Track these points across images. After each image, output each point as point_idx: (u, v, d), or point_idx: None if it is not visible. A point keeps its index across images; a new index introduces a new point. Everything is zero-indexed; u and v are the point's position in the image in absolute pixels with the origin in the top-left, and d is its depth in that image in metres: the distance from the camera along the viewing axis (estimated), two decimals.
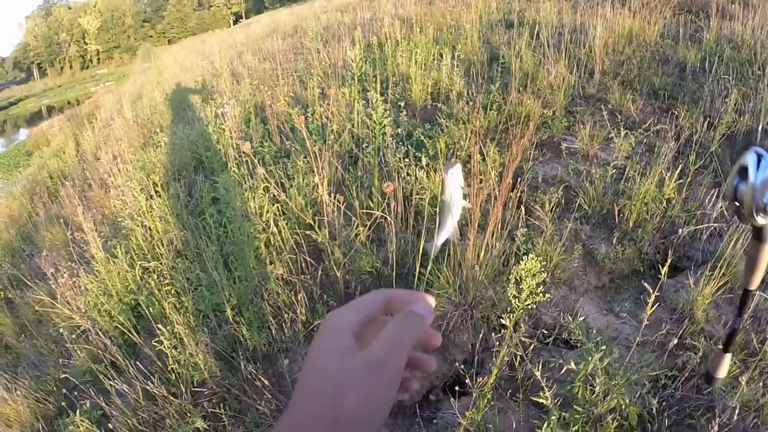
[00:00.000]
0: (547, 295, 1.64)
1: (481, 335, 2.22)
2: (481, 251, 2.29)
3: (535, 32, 4.73)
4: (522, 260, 1.65)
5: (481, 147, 2.89)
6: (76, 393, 2.80)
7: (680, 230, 2.75)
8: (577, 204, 2.86)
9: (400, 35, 5.71)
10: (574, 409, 1.72)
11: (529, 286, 1.52)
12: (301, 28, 9.82)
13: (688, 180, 3.00)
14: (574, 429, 1.67)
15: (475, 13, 6.35)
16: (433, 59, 4.68)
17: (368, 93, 3.81)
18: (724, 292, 2.37)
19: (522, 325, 2.10)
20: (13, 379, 3.38)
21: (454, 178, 0.73)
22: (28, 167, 14.50)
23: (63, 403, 2.78)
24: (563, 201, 2.87)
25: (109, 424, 2.41)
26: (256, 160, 2.66)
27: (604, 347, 1.66)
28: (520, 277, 1.53)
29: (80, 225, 4.09)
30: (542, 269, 1.62)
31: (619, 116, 3.62)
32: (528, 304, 1.55)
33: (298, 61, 6.55)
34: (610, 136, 3.27)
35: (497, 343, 2.03)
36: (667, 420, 1.77)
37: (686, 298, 2.37)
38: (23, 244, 6.62)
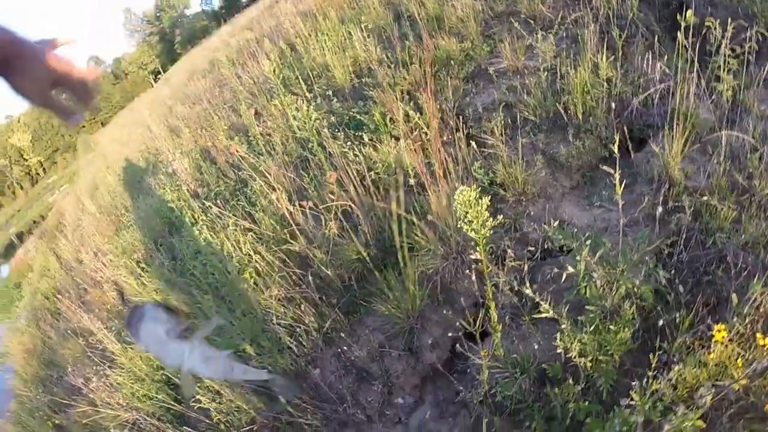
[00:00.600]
0: (499, 217, 1.71)
1: (473, 279, 2.30)
2: (443, 198, 2.40)
3: None
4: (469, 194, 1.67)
5: (399, 103, 2.96)
6: None
7: (631, 104, 2.86)
8: (522, 118, 2.96)
9: (306, 30, 5.76)
10: (587, 311, 1.74)
11: (476, 216, 1.60)
12: (217, 60, 9.82)
13: (621, 53, 3.10)
14: (591, 329, 1.70)
15: None
16: (345, 39, 4.74)
17: (297, 96, 3.89)
18: (693, 143, 2.46)
19: (508, 250, 2.19)
20: None
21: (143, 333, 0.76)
22: (22, 299, 14.60)
23: None
24: (509, 120, 2.97)
25: None
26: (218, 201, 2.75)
27: (588, 241, 1.71)
28: (465, 211, 1.60)
29: (89, 330, 4.22)
30: (480, 193, 1.65)
31: (533, 22, 3.69)
32: (485, 233, 1.63)
33: (225, 93, 6.61)
34: (530, 43, 3.36)
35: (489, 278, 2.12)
36: (683, 286, 1.77)
37: (659, 163, 2.44)
38: (48, 370, 6.76)
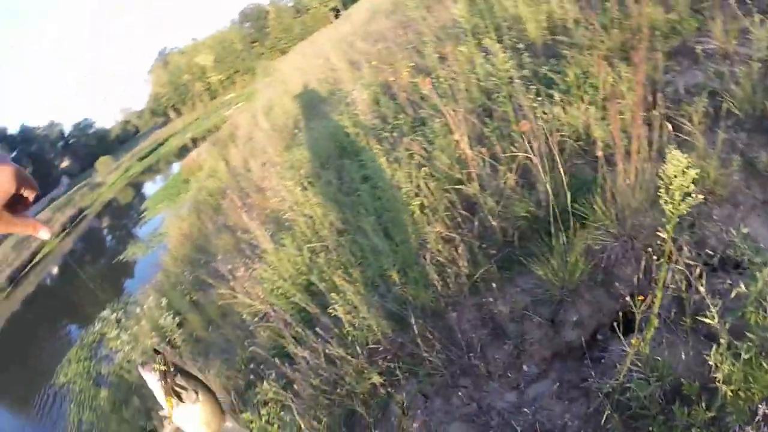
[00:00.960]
0: (700, 197, 1.54)
1: (643, 265, 2.17)
2: (631, 176, 2.24)
3: None
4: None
5: (605, 69, 2.77)
6: (262, 367, 3.30)
7: None
8: (726, 110, 2.60)
9: None
10: (746, 337, 1.58)
11: (680, 187, 1.46)
12: (401, 2, 10.01)
13: None
14: (745, 358, 1.55)
15: None
16: None
17: (485, 45, 3.82)
18: None
19: (685, 247, 2.01)
20: (205, 363, 4.06)
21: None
22: (188, 192, 16.83)
23: (251, 377, 3.29)
24: (711, 109, 2.64)
25: (294, 387, 2.82)
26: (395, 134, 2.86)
27: None
28: (670, 178, 1.47)
29: (246, 228, 4.74)
30: (692, 167, 1.50)
31: (750, 2, 3.17)
32: (683, 209, 1.49)
33: (408, 34, 6.72)
34: (745, 26, 2.90)
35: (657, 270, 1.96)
36: None
37: None
38: (198, 254, 7.80)
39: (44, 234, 0.76)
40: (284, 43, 69.54)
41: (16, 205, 0.71)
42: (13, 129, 68.35)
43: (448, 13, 5.88)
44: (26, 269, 32.92)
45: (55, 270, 29.50)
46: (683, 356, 1.84)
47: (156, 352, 0.88)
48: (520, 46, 3.97)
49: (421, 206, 2.81)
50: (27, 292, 27.61)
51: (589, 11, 3.92)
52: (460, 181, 2.71)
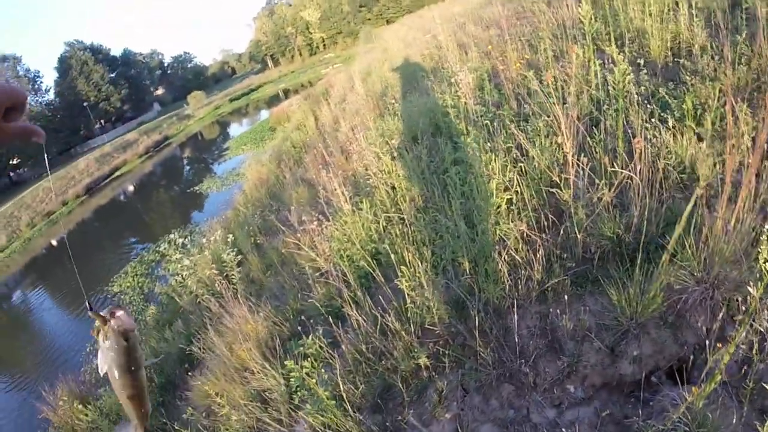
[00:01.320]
0: None
1: (719, 319, 2.06)
2: (731, 223, 2.13)
3: None
4: None
5: (732, 106, 2.60)
6: (312, 321, 3.42)
7: None
8: None
9: None
10: None
11: None
12: None
13: None
14: None
15: None
16: (669, 10, 4.27)
17: (604, 52, 3.67)
18: None
19: (766, 310, 1.89)
20: (256, 305, 4.25)
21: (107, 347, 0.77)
22: (272, 140, 17.46)
23: (298, 328, 3.42)
24: None
25: (341, 348, 2.91)
26: (495, 123, 2.83)
27: None
28: None
29: (324, 185, 4.87)
30: None
31: None
32: None
33: (524, 26, 6.54)
34: None
35: (736, 327, 1.87)
36: None
37: None
38: (271, 201, 8.12)
39: (38, 138, 0.84)
40: (392, 12, 69.47)
41: (10, 113, 0.77)
42: (116, 51, 72.83)
43: (569, 11, 5.66)
44: (105, 182, 35.35)
45: (130, 188, 31.46)
46: (734, 421, 1.78)
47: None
48: (640, 61, 3.80)
49: (509, 201, 2.79)
50: (100, 203, 29.68)
51: (719, 40, 3.68)
52: (554, 185, 2.66)
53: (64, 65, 60.83)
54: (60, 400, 5.61)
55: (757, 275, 1.94)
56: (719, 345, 1.91)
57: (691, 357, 2.09)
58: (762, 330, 1.82)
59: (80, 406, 5.23)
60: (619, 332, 2.30)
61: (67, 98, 60.18)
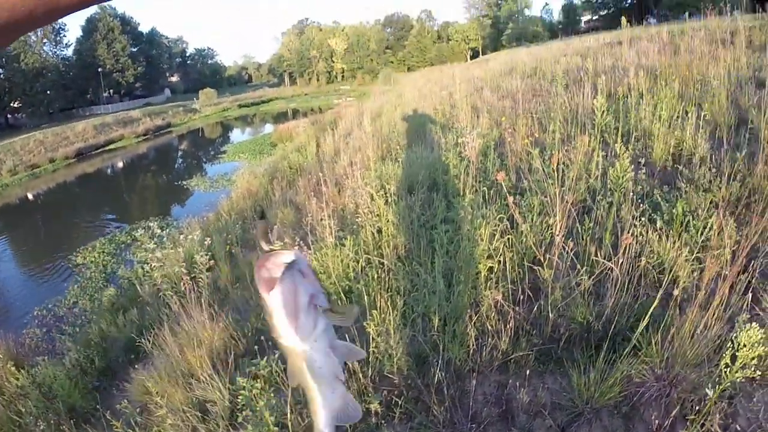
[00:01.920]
0: (757, 373, 1.52)
1: (671, 417, 2.12)
2: (699, 328, 2.22)
3: None
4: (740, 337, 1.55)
5: (720, 219, 2.74)
6: (269, 343, 3.37)
7: None
8: None
9: (645, 87, 5.59)
10: None
11: (744, 357, 1.45)
12: (541, 70, 10.14)
13: None
14: None
15: (723, 67, 5.86)
16: (678, 117, 4.51)
17: (608, 145, 3.83)
18: None
19: (718, 414, 1.97)
20: (217, 314, 4.19)
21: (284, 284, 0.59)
22: (271, 155, 17.56)
23: (255, 347, 3.37)
24: None
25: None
26: (505, 191, 2.92)
27: None
28: (738, 345, 1.47)
29: (312, 212, 4.90)
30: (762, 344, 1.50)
31: None
32: (737, 377, 1.48)
33: (538, 103, 6.80)
34: None
35: (687, 426, 1.93)
36: None
37: None
38: (255, 215, 8.09)
39: None
40: (415, 61, 71.65)
41: None
42: (144, 27, 73.69)
43: (584, 100, 5.93)
44: (97, 151, 34.99)
45: (120, 164, 31.19)
46: None
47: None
48: (641, 161, 3.97)
49: (491, 269, 2.84)
50: (86, 171, 29.27)
51: (719, 155, 3.89)
52: (537, 262, 2.73)
53: (90, 26, 61.47)
54: None
55: (716, 380, 2.00)
56: None
57: None
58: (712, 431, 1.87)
59: (13, 368, 5.02)
60: (573, 414, 2.33)
61: (84, 59, 60.51)
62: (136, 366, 4.30)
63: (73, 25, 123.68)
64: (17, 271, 12.90)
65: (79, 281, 10.16)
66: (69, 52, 62.57)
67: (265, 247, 0.61)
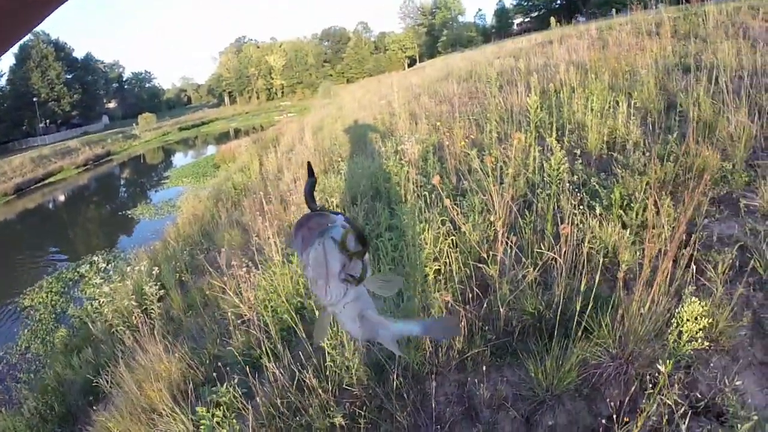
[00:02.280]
0: (705, 344, 1.61)
1: (631, 392, 2.20)
2: (646, 305, 2.31)
3: (713, 77, 4.54)
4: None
5: (656, 199, 2.88)
6: (227, 369, 3.30)
7: None
8: (750, 267, 2.67)
9: (576, 81, 5.85)
10: None
11: (689, 330, 1.54)
12: (476, 73, 10.40)
13: None
14: None
15: (650, 57, 6.25)
16: (609, 107, 4.74)
17: (545, 140, 3.98)
18: None
19: (676, 385, 2.06)
20: (173, 344, 4.07)
21: (313, 250, 0.57)
22: (214, 177, 17.16)
23: (214, 374, 3.28)
24: (737, 263, 2.72)
25: (255, 400, 2.82)
26: (443, 194, 2.97)
27: (753, 423, 1.58)
28: (681, 320, 1.55)
29: (258, 231, 4.83)
30: (704, 316, 1.58)
31: None
32: (686, 350, 1.56)
33: (474, 105, 6.97)
34: None
35: (646, 400, 2.00)
36: None
37: None
38: (203, 239, 7.89)
39: None
40: (353, 72, 72.05)
41: None
42: (79, 53, 70.75)
43: (518, 99, 6.12)
44: (36, 185, 33.31)
45: (61, 197, 29.83)
46: None
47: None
48: (577, 151, 4.13)
49: (437, 271, 2.87)
50: (27, 207, 27.85)
51: (651, 138, 4.10)
52: (482, 260, 2.78)
53: (23, 53, 58.16)
54: None
55: (669, 353, 2.09)
56: (628, 419, 2.02)
57: (604, 429, 2.18)
58: (670, 403, 1.93)
59: None
60: (535, 403, 2.37)
61: (18, 88, 57.34)
62: (95, 408, 4.10)
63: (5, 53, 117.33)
64: None
65: (29, 325, 9.63)
66: (2, 82, 59.26)
67: (313, 206, 0.62)
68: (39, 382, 5.92)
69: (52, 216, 25.72)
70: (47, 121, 61.70)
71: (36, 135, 57.31)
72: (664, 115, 4.60)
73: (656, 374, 2.13)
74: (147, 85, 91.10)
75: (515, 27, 68.04)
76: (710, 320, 2.35)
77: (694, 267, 2.57)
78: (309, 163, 0.59)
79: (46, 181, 34.33)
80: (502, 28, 66.43)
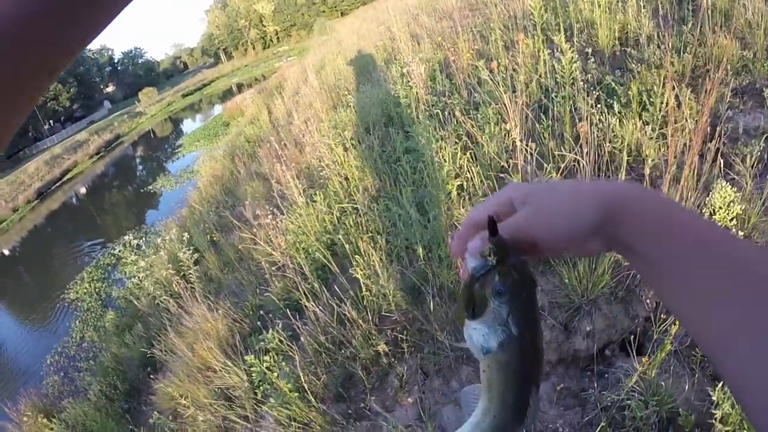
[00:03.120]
0: (740, 234, 1.55)
1: None
2: (679, 194, 2.25)
3: None
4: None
5: (676, 92, 2.73)
6: (270, 315, 3.41)
7: None
8: None
9: None
10: None
11: (722, 219, 1.48)
12: None
13: None
14: None
15: None
16: (617, 1, 4.44)
17: (553, 42, 3.77)
18: None
19: None
20: (215, 303, 4.20)
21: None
22: (226, 135, 17.09)
23: (258, 323, 3.39)
24: (765, 155, 2.60)
25: (300, 340, 2.92)
26: (460, 108, 2.87)
27: None
28: (712, 210, 1.49)
29: (278, 178, 4.82)
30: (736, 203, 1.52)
31: None
32: None
33: (476, 17, 6.63)
34: None
35: None
36: None
37: None
38: (226, 197, 7.97)
39: None
40: (346, 4, 69.13)
41: None
42: None
43: (521, 4, 5.78)
44: (56, 185, 33.85)
45: (82, 190, 30.25)
46: (687, 388, 1.87)
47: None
48: (588, 51, 3.92)
49: (460, 187, 2.83)
50: (52, 208, 28.43)
51: (665, 30, 3.85)
52: (503, 170, 2.72)
53: None
54: (24, 416, 5.41)
55: None
56: (665, 316, 2.02)
57: (642, 329, 2.19)
58: None
59: (45, 420, 5.06)
60: (572, 309, 2.38)
61: None
62: (154, 377, 4.33)
63: None
64: (18, 329, 12.60)
65: (78, 316, 10.03)
66: None
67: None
68: (98, 366, 6.19)
69: (78, 210, 26.19)
70: (51, 121, 61.80)
71: (43, 137, 57.70)
72: (676, 5, 4.28)
73: None
74: (140, 61, 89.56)
75: None
76: (742, 208, 2.27)
77: (722, 160, 2.48)
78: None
79: (65, 179, 34.72)
80: None
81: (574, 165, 2.67)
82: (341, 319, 2.86)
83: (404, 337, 2.64)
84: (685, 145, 2.49)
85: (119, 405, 5.03)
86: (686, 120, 2.60)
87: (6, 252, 23.56)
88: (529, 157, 2.67)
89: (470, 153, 2.92)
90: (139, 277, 7.01)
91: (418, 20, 8.37)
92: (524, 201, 0.47)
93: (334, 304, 2.87)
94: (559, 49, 3.47)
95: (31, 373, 8.91)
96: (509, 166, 2.67)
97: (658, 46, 3.61)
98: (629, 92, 3.16)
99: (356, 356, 2.74)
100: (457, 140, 2.99)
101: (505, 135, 3.02)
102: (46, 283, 14.11)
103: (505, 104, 2.89)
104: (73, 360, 8.08)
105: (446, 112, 3.38)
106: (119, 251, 10.22)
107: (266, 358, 2.88)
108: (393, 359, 2.67)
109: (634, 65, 3.48)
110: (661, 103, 2.93)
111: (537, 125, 3.05)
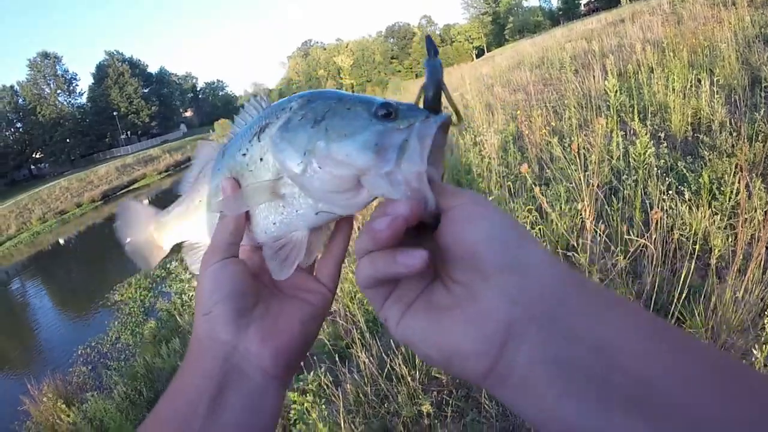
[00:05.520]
0: None
1: None
2: (740, 293, 2.21)
3: None
4: None
5: (747, 182, 2.70)
6: (314, 358, 3.44)
7: None
8: None
9: (653, 61, 5.54)
10: None
11: None
12: (548, 59, 10.08)
13: None
14: None
15: (729, 29, 5.75)
16: (691, 86, 4.45)
17: (626, 124, 3.82)
18: None
19: None
20: None
21: None
22: None
23: (301, 364, 3.40)
24: None
25: (342, 387, 2.93)
26: (531, 182, 2.95)
27: None
28: None
29: None
30: None
31: None
32: None
33: (549, 92, 6.79)
34: None
35: None
36: None
37: None
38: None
39: None
40: (421, 67, 71.56)
41: None
42: (153, 68, 75.57)
43: (595, 83, 5.90)
44: (122, 191, 35.83)
45: (146, 201, 31.81)
46: None
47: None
48: (660, 135, 3.95)
49: None
50: (113, 211, 30.17)
51: (738, 117, 3.83)
52: (571, 248, 2.74)
53: (101, 73, 63.48)
54: (44, 396, 5.59)
55: (763, 342, 1.99)
56: None
57: None
58: None
59: (63, 406, 5.19)
60: None
61: (98, 104, 62.52)
62: None
63: (84, 73, 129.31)
64: (57, 314, 13.25)
65: (119, 317, 10.34)
66: (83, 99, 64.89)
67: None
68: (129, 369, 6.30)
69: None
70: (128, 132, 66.38)
71: (118, 146, 62.02)
72: (749, 91, 4.28)
73: (752, 361, 2.04)
74: (220, 93, 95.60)
75: (582, 8, 65.11)
76: None
77: None
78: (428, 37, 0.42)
79: (131, 188, 36.78)
80: (569, 9, 63.86)
81: (642, 250, 2.66)
82: (389, 374, 2.87)
83: (450, 401, 2.62)
84: (752, 236, 2.45)
85: (140, 411, 5.06)
86: (756, 211, 2.57)
87: (61, 242, 25.01)
88: (597, 238, 2.69)
89: (539, 228, 2.96)
90: (188, 295, 7.17)
91: (491, 90, 8.63)
92: None
93: (385, 356, 2.90)
94: (633, 132, 3.52)
95: (61, 359, 9.10)
96: (578, 245, 2.69)
97: (731, 134, 3.61)
98: (700, 180, 3.15)
99: (398, 412, 2.74)
100: (528, 213, 3.05)
101: (575, 213, 3.06)
102: (93, 280, 14.71)
103: (577, 183, 2.94)
104: (104, 357, 8.18)
105: (517, 185, 3.46)
106: (173, 267, 10.55)
107: (308, 397, 2.91)
108: (435, 421, 2.65)
109: (705, 152, 3.50)
110: (731, 192, 2.91)
111: (607, 206, 3.07)
